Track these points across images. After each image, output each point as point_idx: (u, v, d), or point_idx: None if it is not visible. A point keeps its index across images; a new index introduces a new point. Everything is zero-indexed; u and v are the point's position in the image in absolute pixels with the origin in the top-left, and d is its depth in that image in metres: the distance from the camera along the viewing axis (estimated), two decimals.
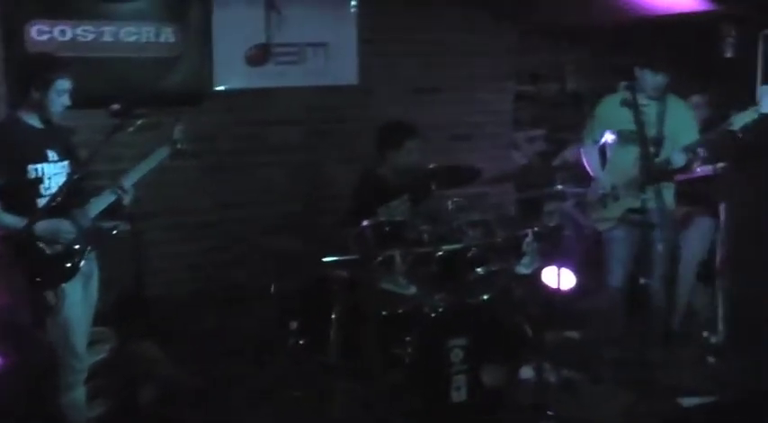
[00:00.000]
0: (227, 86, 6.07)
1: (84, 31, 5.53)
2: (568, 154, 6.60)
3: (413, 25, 6.67)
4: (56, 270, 4.02)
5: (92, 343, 4.45)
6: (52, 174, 4.05)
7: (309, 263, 4.85)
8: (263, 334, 5.40)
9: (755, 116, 4.63)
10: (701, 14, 5.81)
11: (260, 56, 6.21)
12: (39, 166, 4.01)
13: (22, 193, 3.99)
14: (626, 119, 4.94)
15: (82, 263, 4.10)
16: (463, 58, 6.93)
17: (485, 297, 4.79)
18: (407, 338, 4.49)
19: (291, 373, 4.98)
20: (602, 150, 5.46)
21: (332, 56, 6.45)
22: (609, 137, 5.32)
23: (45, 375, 4.22)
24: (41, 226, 3.94)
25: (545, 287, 5.07)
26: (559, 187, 4.88)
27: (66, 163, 4.12)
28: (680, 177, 5.26)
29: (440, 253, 4.74)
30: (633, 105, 4.84)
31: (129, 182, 4.20)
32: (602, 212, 5.27)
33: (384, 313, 4.60)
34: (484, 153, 6.92)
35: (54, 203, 3.98)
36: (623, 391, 4.92)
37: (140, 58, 5.74)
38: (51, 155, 4.07)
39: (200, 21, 5.94)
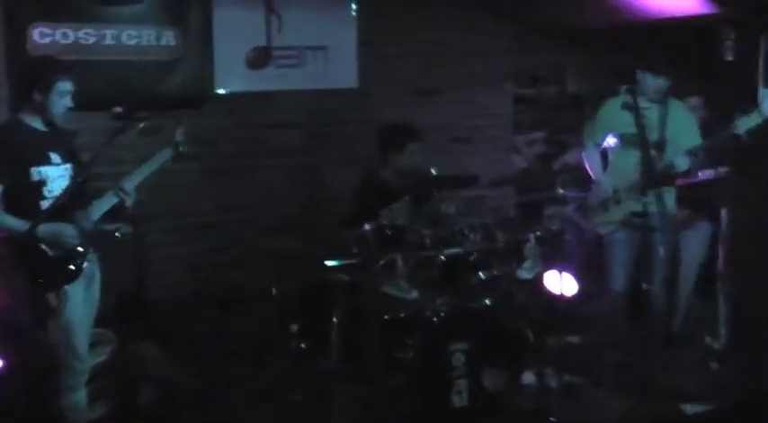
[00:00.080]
0: (227, 89, 6.08)
1: (85, 34, 5.52)
2: (569, 158, 6.59)
3: (412, 27, 6.67)
4: (58, 272, 4.03)
5: (93, 345, 4.46)
6: (55, 177, 4.05)
7: (309, 265, 4.85)
8: (262, 335, 5.41)
9: (760, 120, 4.63)
10: (702, 17, 5.81)
11: (260, 59, 6.22)
12: (41, 168, 4.01)
13: (25, 196, 3.99)
14: (627, 122, 4.94)
15: (84, 265, 4.11)
16: (463, 60, 6.93)
17: (487, 301, 4.79)
18: (409, 342, 4.50)
19: (291, 376, 4.98)
20: (604, 153, 5.45)
21: (332, 59, 6.45)
22: (610, 140, 5.32)
23: (46, 377, 4.22)
24: (44, 228, 3.94)
25: (546, 292, 5.06)
26: (560, 191, 4.88)
27: (68, 166, 4.13)
28: (681, 181, 5.26)
29: (442, 257, 4.74)
30: (634, 108, 4.84)
31: (130, 184, 4.21)
32: (603, 216, 5.26)
33: (386, 317, 4.60)
34: (484, 156, 6.93)
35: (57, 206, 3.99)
36: (625, 395, 4.92)
37: (141, 60, 5.73)
38: (54, 157, 4.08)
39: (200, 24, 5.94)
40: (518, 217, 6.74)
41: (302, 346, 4.94)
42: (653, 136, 4.97)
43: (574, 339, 5.69)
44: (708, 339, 5.65)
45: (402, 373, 4.48)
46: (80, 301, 4.16)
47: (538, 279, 5.00)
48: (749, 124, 4.64)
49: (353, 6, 6.47)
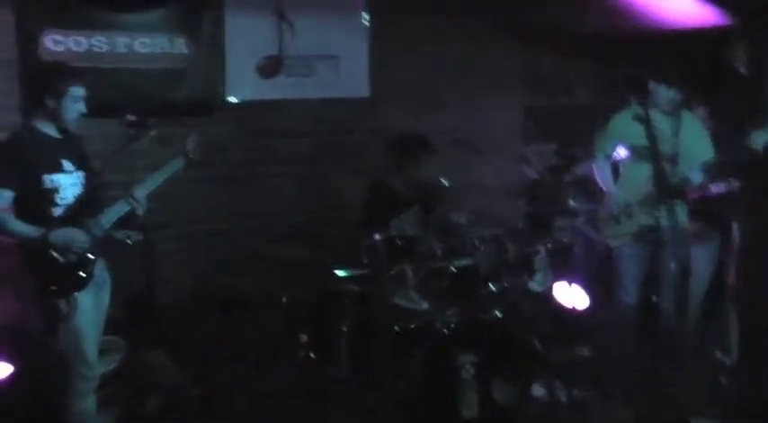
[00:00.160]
0: (238, 97, 6.09)
1: (98, 42, 5.55)
2: (581, 171, 6.57)
3: (423, 37, 6.67)
4: (69, 279, 4.02)
5: (103, 352, 4.46)
6: (67, 185, 4.06)
7: (318, 273, 4.85)
8: (271, 343, 5.40)
9: None
10: (713, 29, 5.81)
11: (272, 67, 6.23)
12: (54, 176, 4.02)
13: (37, 203, 3.99)
14: (638, 134, 4.91)
15: (94, 272, 4.10)
16: (473, 70, 6.93)
17: (497, 313, 4.78)
18: (418, 354, 4.48)
19: (300, 384, 4.97)
20: (615, 166, 5.43)
21: (343, 68, 6.47)
22: (621, 151, 5.30)
23: (55, 383, 4.21)
24: (55, 235, 3.94)
25: (556, 304, 5.04)
26: (571, 203, 4.86)
27: (80, 173, 4.13)
28: (693, 195, 5.24)
29: (452, 268, 4.73)
30: (645, 120, 4.83)
31: (142, 192, 4.20)
32: (614, 228, 5.24)
33: (396, 328, 4.58)
34: (494, 166, 6.92)
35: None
36: (633, 408, 4.89)
37: (153, 68, 5.76)
38: (67, 165, 4.08)
39: (212, 32, 5.97)
40: (528, 229, 6.71)
41: (311, 355, 4.93)
42: (665, 148, 4.95)
43: (583, 352, 5.67)
44: (718, 354, 5.62)
45: (411, 384, 4.47)
46: (90, 308, 4.15)
47: (548, 291, 4.98)
48: (765, 138, 4.62)
49: (365, 16, 6.48)
